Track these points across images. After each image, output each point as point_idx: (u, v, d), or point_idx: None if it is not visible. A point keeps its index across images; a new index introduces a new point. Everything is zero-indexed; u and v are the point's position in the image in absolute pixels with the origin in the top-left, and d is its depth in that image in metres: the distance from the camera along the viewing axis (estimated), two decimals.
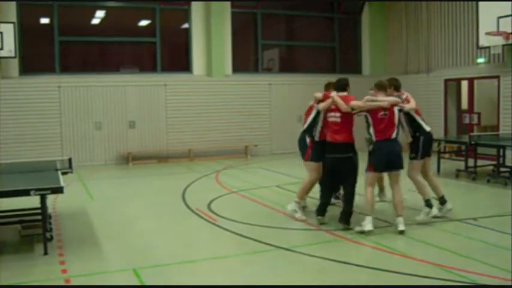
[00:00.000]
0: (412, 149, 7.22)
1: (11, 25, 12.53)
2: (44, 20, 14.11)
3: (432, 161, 11.15)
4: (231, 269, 5.58)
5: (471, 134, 11.64)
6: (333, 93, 6.96)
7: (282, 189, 9.81)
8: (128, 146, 14.20)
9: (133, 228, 7.26)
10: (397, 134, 6.70)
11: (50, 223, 6.90)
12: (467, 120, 14.05)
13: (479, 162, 10.87)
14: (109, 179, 12.01)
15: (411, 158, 7.25)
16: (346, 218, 6.81)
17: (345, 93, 6.93)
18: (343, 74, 16.15)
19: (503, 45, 12.22)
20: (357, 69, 17.23)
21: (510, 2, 11.68)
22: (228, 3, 15.25)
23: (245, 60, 16.20)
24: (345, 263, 5.54)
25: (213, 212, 7.97)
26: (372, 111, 6.65)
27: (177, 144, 14.67)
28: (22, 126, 13.14)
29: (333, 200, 7.73)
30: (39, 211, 6.13)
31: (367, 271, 5.30)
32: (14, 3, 13.19)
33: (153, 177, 12.12)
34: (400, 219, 6.58)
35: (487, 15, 12.23)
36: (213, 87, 14.97)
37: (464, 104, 14.44)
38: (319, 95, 7.20)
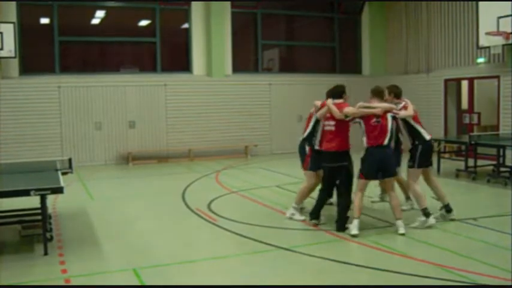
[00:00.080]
0: (410, 156, 7.11)
1: (11, 25, 12.53)
2: (44, 20, 14.11)
3: (432, 161, 11.27)
4: (231, 269, 5.58)
5: (471, 134, 11.64)
6: (329, 101, 6.93)
7: (282, 189, 9.81)
8: (128, 146, 14.20)
9: (133, 228, 7.26)
10: (390, 140, 6.64)
11: (50, 223, 6.90)
12: (467, 120, 14.04)
13: (479, 162, 10.87)
14: (109, 179, 12.01)
15: (408, 166, 7.16)
16: (341, 227, 6.72)
17: (340, 101, 6.91)
18: (343, 74, 16.29)
19: (503, 45, 12.22)
20: (357, 69, 17.23)
21: (510, 2, 11.68)
22: (228, 3, 15.25)
23: (245, 60, 16.20)
24: (345, 263, 5.54)
25: (213, 212, 7.97)
26: (365, 118, 6.64)
27: (177, 144, 14.67)
28: (22, 126, 13.14)
29: (330, 200, 7.70)
30: (39, 211, 6.12)
31: (367, 271, 5.30)
32: (14, 3, 13.19)
33: (153, 177, 12.11)
34: (400, 222, 6.58)
35: (487, 15, 12.23)
36: (213, 87, 14.97)
37: (464, 104, 14.44)
38: (319, 102, 7.18)
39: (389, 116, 6.67)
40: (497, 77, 13.11)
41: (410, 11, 16.06)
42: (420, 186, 7.09)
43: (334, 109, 6.78)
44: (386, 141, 6.59)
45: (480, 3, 12.58)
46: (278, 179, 11.01)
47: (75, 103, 13.71)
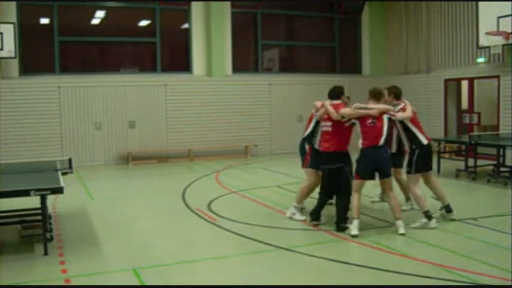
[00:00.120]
0: (408, 161, 7.03)
1: (11, 25, 12.53)
2: (44, 20, 14.11)
3: (432, 161, 11.26)
4: (231, 269, 5.58)
5: (471, 133, 11.63)
6: (326, 102, 6.93)
7: (282, 189, 9.81)
8: (128, 146, 14.20)
9: (133, 228, 7.26)
10: (386, 141, 6.62)
11: (50, 223, 6.90)
12: (467, 120, 14.04)
13: (479, 162, 10.87)
14: (109, 179, 12.01)
15: (406, 172, 7.14)
16: (340, 228, 6.73)
17: (338, 102, 6.91)
18: (343, 74, 16.28)
19: (503, 45, 12.22)
20: (357, 69, 17.23)
21: (510, 2, 11.68)
22: (228, 3, 15.25)
23: (245, 60, 16.20)
24: (345, 263, 5.54)
25: (213, 212, 7.97)
26: (361, 119, 6.63)
27: (177, 144, 14.67)
28: (22, 126, 13.14)
29: (330, 200, 7.71)
30: (39, 211, 6.12)
31: (367, 271, 5.30)
32: (14, 3, 13.19)
33: (153, 177, 12.11)
34: (400, 222, 6.57)
35: (487, 15, 12.23)
36: (213, 87, 14.97)
37: (464, 104, 14.43)
38: (319, 103, 7.18)
39: (385, 117, 6.66)
40: (497, 77, 13.11)
41: (410, 11, 16.06)
42: (420, 188, 7.08)
43: (331, 110, 6.78)
44: (381, 142, 6.57)
45: (480, 3, 12.58)
46: (278, 179, 11.01)
47: (75, 103, 13.71)
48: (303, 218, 7.33)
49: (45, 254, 5.85)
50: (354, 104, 6.80)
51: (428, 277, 5.04)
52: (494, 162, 10.70)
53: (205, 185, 10.75)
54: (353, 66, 17.21)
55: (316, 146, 7.20)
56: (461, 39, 14.39)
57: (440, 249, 5.97)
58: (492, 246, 6.04)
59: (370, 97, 6.81)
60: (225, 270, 5.51)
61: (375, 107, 6.66)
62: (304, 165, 7.50)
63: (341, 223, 6.74)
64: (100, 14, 14.73)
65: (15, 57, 12.76)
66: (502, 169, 10.33)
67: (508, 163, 10.73)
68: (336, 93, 6.97)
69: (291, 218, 7.40)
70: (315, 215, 7.09)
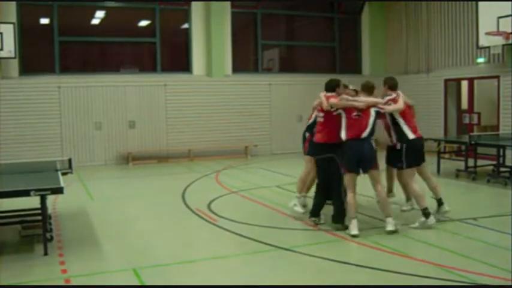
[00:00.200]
0: (399, 157, 7.00)
1: (11, 25, 12.54)
2: (44, 20, 14.11)
3: (432, 161, 11.26)
4: (231, 269, 5.58)
5: (471, 134, 11.63)
6: (321, 93, 7.02)
7: (282, 190, 9.81)
8: (128, 146, 14.20)
9: (133, 228, 7.26)
10: (370, 134, 6.60)
11: (50, 223, 6.90)
12: (467, 120, 14.05)
13: (479, 162, 10.87)
14: (109, 179, 12.01)
15: (398, 168, 7.15)
16: (337, 219, 6.82)
17: (332, 94, 6.95)
18: (343, 74, 16.28)
19: (503, 45, 12.22)
20: (357, 69, 17.23)
21: (510, 2, 11.68)
22: (228, 3, 15.25)
23: (245, 60, 16.20)
24: (345, 263, 5.54)
25: (213, 212, 7.97)
26: (347, 110, 6.65)
27: (177, 144, 14.67)
28: (22, 126, 13.14)
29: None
30: (39, 211, 6.12)
31: (367, 271, 5.30)
32: (14, 3, 13.19)
33: (153, 177, 12.12)
34: (389, 220, 6.56)
35: (487, 15, 12.23)
36: (213, 87, 14.97)
37: (464, 104, 14.44)
38: (323, 94, 7.24)
39: (372, 110, 6.65)
40: (497, 77, 13.11)
41: (410, 11, 16.06)
42: (419, 184, 7.08)
43: (323, 100, 6.87)
44: (364, 135, 6.57)
45: (480, 3, 12.59)
46: (278, 179, 11.01)
47: (75, 103, 13.72)
48: (302, 211, 7.44)
49: (45, 254, 5.85)
50: (342, 95, 6.84)
51: (427, 277, 5.05)
52: (494, 162, 10.70)
53: (205, 185, 10.75)
54: (353, 66, 17.21)
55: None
56: (461, 39, 14.39)
57: (440, 249, 5.98)
58: (492, 246, 6.05)
59: (361, 90, 6.86)
60: (225, 270, 5.51)
61: (362, 99, 6.67)
62: (304, 152, 7.69)
63: (338, 220, 6.81)
64: (100, 14, 14.73)
65: (15, 57, 12.76)
66: (502, 169, 10.33)
67: (508, 163, 10.73)
68: (331, 86, 7.05)
69: (292, 206, 7.55)
70: (314, 214, 7.12)
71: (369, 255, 5.89)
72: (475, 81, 14.04)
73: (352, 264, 5.52)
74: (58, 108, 13.55)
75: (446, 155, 12.73)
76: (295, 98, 15.37)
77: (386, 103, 6.86)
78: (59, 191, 5.80)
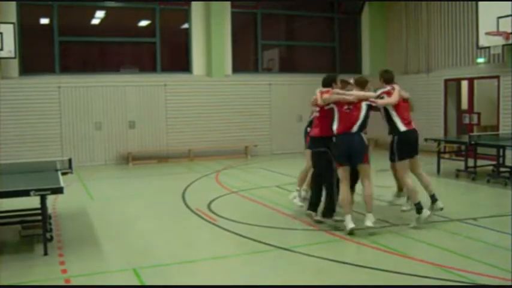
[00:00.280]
0: (391, 150, 7.05)
1: (11, 25, 12.54)
2: (44, 20, 14.11)
3: (432, 161, 11.29)
4: (231, 269, 5.58)
5: (471, 134, 11.63)
6: (318, 89, 7.13)
7: (282, 189, 9.81)
8: (128, 146, 14.20)
9: (133, 228, 7.26)
10: (360, 128, 6.61)
11: (50, 223, 6.91)
12: (467, 120, 14.05)
13: (479, 162, 10.86)
14: (109, 179, 12.02)
15: (391, 160, 7.16)
16: (325, 215, 7.07)
17: (328, 89, 7.02)
18: (343, 74, 16.23)
19: (503, 45, 12.22)
20: (357, 69, 17.21)
21: (510, 2, 11.68)
22: (228, 3, 15.25)
23: (245, 60, 16.20)
24: (344, 263, 5.54)
25: (213, 212, 7.97)
26: (338, 104, 6.69)
27: (177, 144, 14.67)
28: (22, 126, 13.15)
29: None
30: (39, 211, 6.12)
31: (367, 271, 5.30)
32: (14, 3, 13.20)
33: (153, 177, 12.12)
34: (369, 215, 6.56)
35: (487, 15, 12.23)
36: (213, 87, 14.98)
37: (464, 104, 14.44)
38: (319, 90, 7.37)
39: (364, 104, 6.67)
40: (497, 77, 13.12)
41: (410, 11, 16.06)
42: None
43: (318, 95, 7.00)
44: (355, 129, 6.59)
45: (480, 3, 12.59)
46: (278, 179, 11.01)
47: (75, 103, 13.72)
48: (301, 204, 7.62)
49: (45, 254, 5.85)
50: (334, 90, 6.91)
51: (427, 277, 5.05)
52: (494, 162, 10.71)
53: (205, 185, 10.76)
54: (353, 66, 17.20)
55: None
56: (461, 39, 14.40)
57: (440, 249, 5.97)
58: (492, 247, 6.05)
59: (354, 85, 6.91)
60: (225, 270, 5.51)
61: (352, 93, 6.71)
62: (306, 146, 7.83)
63: (328, 213, 7.01)
64: (100, 14, 14.74)
65: (15, 57, 12.77)
66: (502, 169, 10.33)
67: (508, 163, 10.72)
68: (327, 81, 7.17)
69: (292, 198, 7.84)
70: (312, 207, 7.26)
71: (368, 255, 5.89)
72: (475, 81, 14.04)
73: (352, 264, 5.52)
74: (58, 108, 13.56)
75: (446, 155, 12.73)
76: (295, 98, 15.36)
77: (379, 96, 6.88)
78: (59, 191, 5.80)
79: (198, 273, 5.44)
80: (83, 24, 14.76)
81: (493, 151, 10.62)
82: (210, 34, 14.89)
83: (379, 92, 6.98)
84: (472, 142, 10.40)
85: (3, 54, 12.41)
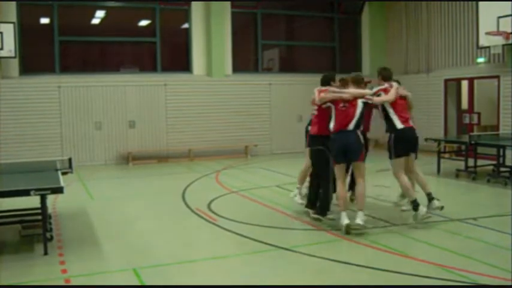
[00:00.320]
0: (388, 147, 7.04)
1: (11, 25, 12.54)
2: (44, 20, 14.11)
3: (432, 161, 11.28)
4: (231, 269, 5.58)
5: (471, 134, 11.63)
6: (316, 88, 7.18)
7: (282, 189, 9.80)
8: (128, 146, 14.20)
9: (133, 228, 7.26)
10: (356, 126, 6.62)
11: (50, 223, 6.90)
12: (467, 120, 14.05)
13: (479, 162, 10.86)
14: (109, 179, 12.01)
15: (389, 157, 7.15)
16: (319, 211, 7.13)
17: (326, 88, 7.06)
18: (343, 74, 16.25)
19: (503, 45, 12.22)
20: (357, 69, 17.14)
21: (510, 2, 11.68)
22: (228, 3, 15.25)
23: (245, 60, 16.20)
24: (345, 263, 5.54)
25: (213, 212, 7.97)
26: (335, 103, 6.72)
27: (177, 144, 14.67)
28: (22, 126, 13.14)
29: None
30: (39, 211, 6.12)
31: (367, 271, 5.30)
32: (14, 3, 13.19)
33: (153, 177, 12.12)
34: (360, 213, 6.55)
35: (487, 15, 12.24)
36: (213, 87, 14.97)
37: (464, 104, 14.44)
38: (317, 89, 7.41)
39: (359, 102, 6.67)
40: (497, 77, 13.12)
41: (410, 11, 16.06)
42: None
43: (316, 94, 7.05)
44: (351, 127, 6.60)
45: (480, 3, 12.59)
46: (278, 179, 11.01)
47: (75, 103, 13.72)
48: (302, 202, 7.71)
49: (45, 253, 5.85)
50: (329, 88, 6.98)
51: (428, 277, 5.04)
52: (494, 162, 10.70)
53: (205, 184, 10.75)
54: (353, 66, 17.14)
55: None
56: (461, 39, 14.39)
57: (440, 249, 5.97)
58: (492, 246, 6.04)
59: (351, 83, 6.91)
60: (225, 270, 5.51)
61: (348, 91, 6.73)
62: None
63: (323, 211, 7.06)
64: (100, 14, 14.73)
65: (15, 57, 12.77)
66: (502, 169, 10.32)
67: (508, 163, 10.72)
68: (325, 80, 7.26)
69: (293, 197, 7.98)
70: (310, 204, 7.32)
71: (368, 255, 5.89)
72: (475, 81, 14.04)
73: (352, 264, 5.52)
74: (58, 108, 13.56)
75: (446, 155, 12.73)
76: (295, 98, 15.36)
77: (375, 93, 6.88)
78: (59, 190, 5.79)
79: (198, 273, 5.44)
80: (83, 24, 14.76)
81: (493, 151, 10.61)
82: (210, 34, 14.88)
83: (375, 89, 6.99)
84: (472, 142, 10.40)
85: (3, 53, 12.41)
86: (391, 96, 6.85)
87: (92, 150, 13.90)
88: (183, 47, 15.31)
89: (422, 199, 7.15)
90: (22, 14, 13.42)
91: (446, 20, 14.84)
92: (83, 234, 6.91)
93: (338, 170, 6.72)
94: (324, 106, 6.89)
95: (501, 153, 10.47)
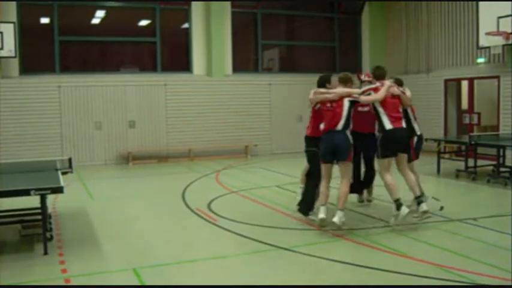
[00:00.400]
0: (376, 146, 6.98)
1: (11, 25, 12.55)
2: (44, 20, 14.11)
3: (432, 161, 11.29)
4: (231, 269, 5.58)
5: (471, 134, 11.64)
6: (312, 90, 7.21)
7: (282, 189, 9.81)
8: (127, 145, 14.21)
9: (133, 228, 7.26)
10: (345, 126, 6.61)
11: (50, 223, 6.91)
12: (467, 120, 14.05)
13: (479, 162, 10.87)
14: (109, 178, 12.02)
15: (376, 156, 7.13)
16: (302, 209, 7.25)
17: (322, 89, 7.07)
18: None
19: (503, 45, 12.22)
20: (357, 69, 17.17)
21: (510, 2, 11.68)
22: (228, 3, 15.25)
23: (245, 60, 16.21)
24: (345, 262, 5.54)
25: (213, 212, 7.97)
26: (322, 103, 6.77)
27: (177, 144, 14.68)
28: (22, 126, 13.15)
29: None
30: (39, 211, 6.13)
31: (367, 271, 5.30)
32: (14, 3, 13.20)
33: (153, 177, 12.12)
34: (339, 212, 6.57)
35: (487, 15, 12.24)
36: (213, 87, 14.98)
37: (464, 104, 14.44)
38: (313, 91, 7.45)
39: (346, 101, 6.66)
40: (497, 77, 13.12)
41: (410, 11, 16.06)
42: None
43: (310, 96, 7.12)
44: (339, 127, 6.62)
45: (480, 3, 12.59)
46: (278, 179, 11.01)
47: (75, 103, 13.72)
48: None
49: (45, 253, 5.85)
50: (315, 90, 7.05)
51: (427, 277, 5.05)
52: (494, 162, 10.71)
53: (205, 184, 10.76)
54: (353, 66, 17.16)
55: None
56: (461, 39, 14.40)
57: (440, 249, 5.98)
58: (491, 247, 6.05)
59: (338, 82, 6.93)
60: (225, 270, 5.51)
61: (333, 91, 6.77)
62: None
63: (305, 207, 7.17)
64: (100, 13, 14.74)
65: (15, 57, 12.77)
66: (502, 169, 10.33)
67: (508, 163, 10.73)
68: (321, 82, 7.27)
69: (296, 195, 7.97)
70: (308, 205, 7.27)
71: (368, 255, 5.89)
72: (475, 81, 14.04)
73: (352, 264, 5.53)
74: (58, 108, 13.56)
75: (446, 155, 12.73)
76: (295, 98, 15.36)
77: (364, 92, 6.87)
78: (59, 190, 5.80)
79: (198, 273, 5.44)
80: (83, 24, 14.77)
81: (493, 151, 10.62)
82: (210, 34, 14.89)
83: (364, 88, 6.99)
84: (472, 142, 10.40)
85: (3, 53, 12.42)
86: (379, 95, 6.77)
87: (92, 150, 13.91)
88: (183, 47, 15.31)
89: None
90: (22, 13, 13.42)
91: (447, 20, 14.84)
92: (83, 234, 6.91)
93: (324, 169, 6.80)
94: (316, 108, 6.98)
95: (501, 154, 10.48)
